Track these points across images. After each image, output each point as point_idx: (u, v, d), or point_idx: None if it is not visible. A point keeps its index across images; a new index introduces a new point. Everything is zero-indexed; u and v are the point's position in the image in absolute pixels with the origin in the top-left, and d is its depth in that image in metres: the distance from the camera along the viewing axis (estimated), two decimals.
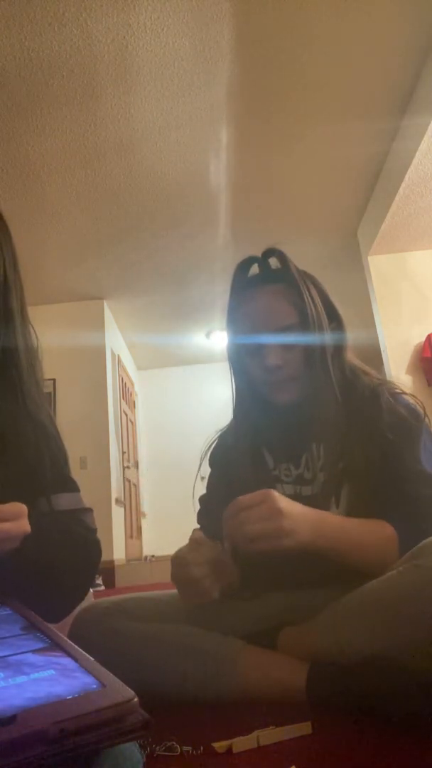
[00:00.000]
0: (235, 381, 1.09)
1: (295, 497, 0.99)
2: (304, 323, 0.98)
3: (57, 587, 0.72)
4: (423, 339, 3.77)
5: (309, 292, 1.01)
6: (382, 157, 3.40)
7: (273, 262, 1.06)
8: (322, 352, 0.99)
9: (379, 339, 4.00)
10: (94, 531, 0.81)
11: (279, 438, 1.06)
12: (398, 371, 3.79)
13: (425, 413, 0.99)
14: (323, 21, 2.44)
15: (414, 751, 0.62)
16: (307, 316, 0.98)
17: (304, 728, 0.69)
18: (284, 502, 0.77)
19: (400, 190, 3.27)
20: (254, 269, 1.08)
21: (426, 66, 2.72)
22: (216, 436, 1.14)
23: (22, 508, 0.62)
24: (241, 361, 1.05)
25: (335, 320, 1.05)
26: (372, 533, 0.85)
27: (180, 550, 0.86)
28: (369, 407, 0.96)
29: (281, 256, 1.04)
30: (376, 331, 4.09)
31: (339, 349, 1.03)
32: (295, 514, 0.78)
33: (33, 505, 0.70)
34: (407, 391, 1.04)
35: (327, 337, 1.00)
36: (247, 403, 1.08)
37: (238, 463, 1.05)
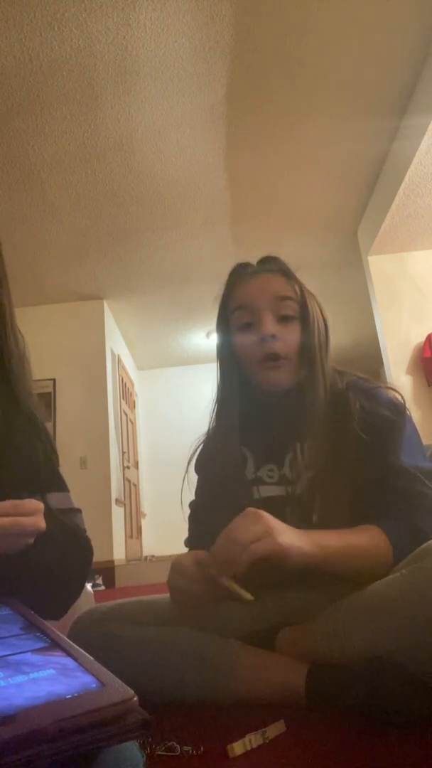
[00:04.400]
0: (221, 373, 1.07)
1: (280, 498, 0.99)
2: (303, 308, 0.99)
3: (59, 585, 0.73)
4: (423, 339, 3.77)
5: (304, 289, 1.03)
6: (382, 157, 3.40)
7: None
8: (315, 345, 0.99)
9: (379, 339, 4.00)
10: (84, 531, 0.82)
11: (262, 438, 1.04)
12: (398, 371, 3.80)
13: (405, 405, 0.98)
14: (323, 21, 2.44)
15: (414, 752, 0.62)
16: (306, 304, 0.99)
17: (278, 727, 0.70)
18: (274, 522, 0.77)
19: (400, 190, 3.27)
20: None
21: (426, 66, 2.72)
22: (200, 442, 1.13)
23: (39, 504, 0.62)
24: (232, 344, 1.03)
25: (325, 323, 1.06)
26: (367, 547, 0.83)
27: (179, 562, 0.85)
28: (343, 409, 0.95)
29: (277, 260, 1.05)
30: (376, 331, 4.09)
31: (327, 350, 1.04)
32: (289, 531, 0.77)
33: None
34: (405, 389, 1.03)
35: (320, 332, 1.00)
36: (231, 401, 1.05)
37: (219, 467, 1.04)
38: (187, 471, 1.12)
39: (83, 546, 0.79)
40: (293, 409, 0.99)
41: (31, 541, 0.63)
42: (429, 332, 3.74)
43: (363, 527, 0.85)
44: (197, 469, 1.13)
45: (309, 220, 3.98)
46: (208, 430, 1.11)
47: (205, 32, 2.46)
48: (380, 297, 3.94)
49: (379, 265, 3.99)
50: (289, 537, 0.76)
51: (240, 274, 1.05)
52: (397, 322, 3.89)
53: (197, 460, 1.13)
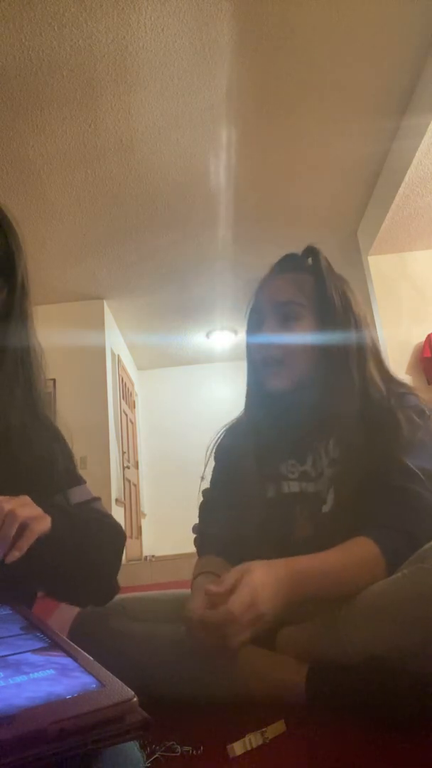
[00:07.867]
0: (247, 374, 1.10)
1: (301, 495, 1.00)
2: (322, 309, 0.99)
3: (92, 570, 0.76)
4: (423, 339, 3.77)
5: (335, 285, 1.02)
6: (382, 156, 3.40)
7: (309, 260, 1.08)
8: (344, 351, 0.98)
9: (379, 339, 4.00)
10: (109, 516, 0.85)
11: (285, 434, 1.05)
12: (398, 371, 3.77)
13: (427, 413, 0.98)
14: (323, 21, 2.44)
15: (414, 752, 0.62)
16: (329, 300, 0.98)
17: (278, 727, 0.70)
18: (258, 580, 0.72)
19: (400, 190, 3.27)
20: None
21: (426, 66, 2.72)
22: (223, 431, 1.14)
23: (25, 498, 0.65)
24: (249, 349, 1.06)
25: (357, 327, 1.05)
26: (354, 564, 0.82)
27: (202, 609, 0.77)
28: (384, 423, 0.94)
29: (315, 254, 1.06)
30: (376, 331, 4.09)
31: (362, 353, 1.02)
32: (269, 587, 0.73)
33: (51, 501, 0.74)
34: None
35: (348, 335, 1.00)
36: (254, 397, 1.08)
37: (243, 459, 1.04)
38: (206, 465, 1.12)
39: (111, 530, 0.81)
40: (305, 408, 1.00)
41: (48, 525, 0.65)
42: (429, 332, 3.74)
43: (355, 543, 0.84)
44: (217, 457, 1.12)
45: (309, 220, 3.97)
46: (232, 421, 1.12)
47: (205, 32, 2.45)
48: (380, 297, 3.94)
49: (379, 265, 3.99)
50: (267, 595, 0.72)
51: (268, 275, 1.08)
52: (397, 322, 3.89)
53: (218, 448, 1.13)
